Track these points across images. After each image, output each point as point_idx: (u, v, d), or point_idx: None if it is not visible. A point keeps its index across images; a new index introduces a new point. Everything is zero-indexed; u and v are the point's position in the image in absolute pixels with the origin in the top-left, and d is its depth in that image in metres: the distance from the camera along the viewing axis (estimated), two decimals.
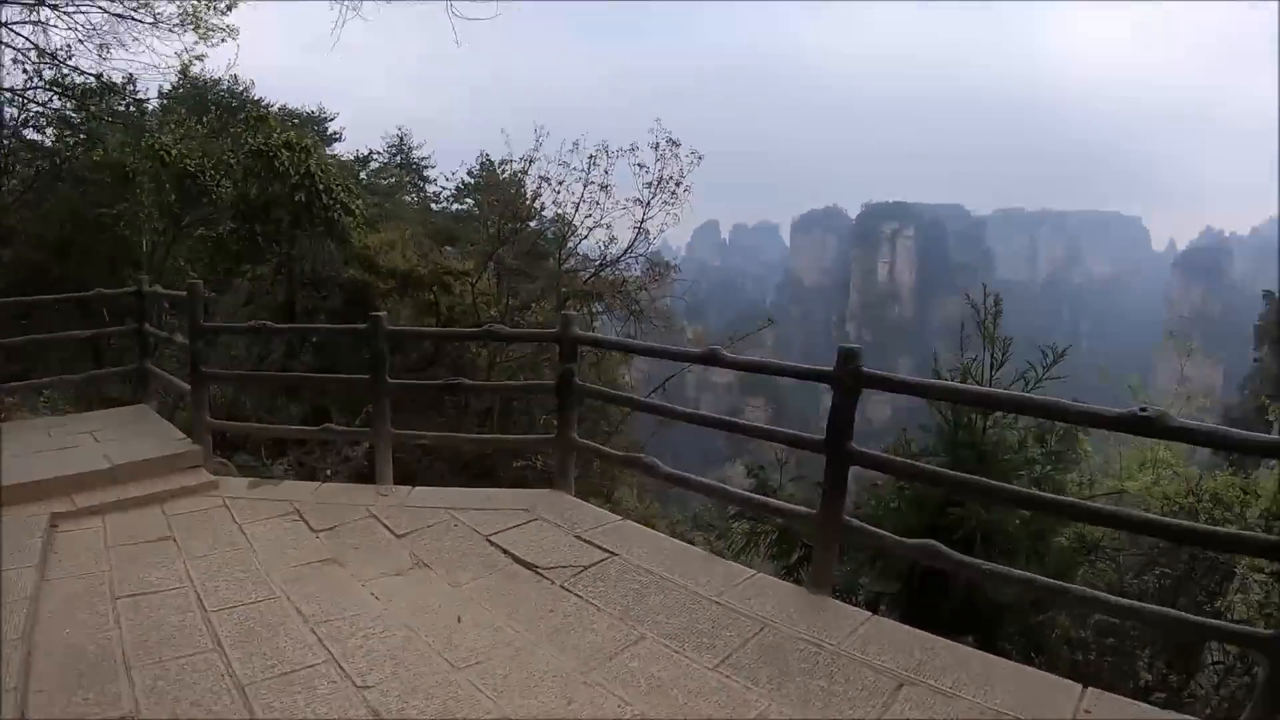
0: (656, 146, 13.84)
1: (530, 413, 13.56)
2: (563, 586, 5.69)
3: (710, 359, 6.22)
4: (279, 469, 11.44)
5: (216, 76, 18.33)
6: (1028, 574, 4.87)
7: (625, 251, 14.57)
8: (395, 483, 8.02)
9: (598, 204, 14.20)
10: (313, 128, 31.14)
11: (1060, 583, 4.84)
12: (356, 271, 15.20)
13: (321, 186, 14.82)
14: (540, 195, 15.05)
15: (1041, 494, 5.11)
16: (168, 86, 17.01)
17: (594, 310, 14.93)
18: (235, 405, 13.20)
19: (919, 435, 7.25)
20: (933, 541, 5.18)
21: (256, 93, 23.36)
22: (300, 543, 6.54)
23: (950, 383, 5.96)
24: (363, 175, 29.83)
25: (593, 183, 14.03)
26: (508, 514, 7.01)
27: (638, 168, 13.93)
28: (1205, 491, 7.46)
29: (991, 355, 6.71)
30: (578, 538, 6.49)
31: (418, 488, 7.91)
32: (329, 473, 11.39)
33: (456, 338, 13.28)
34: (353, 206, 15.40)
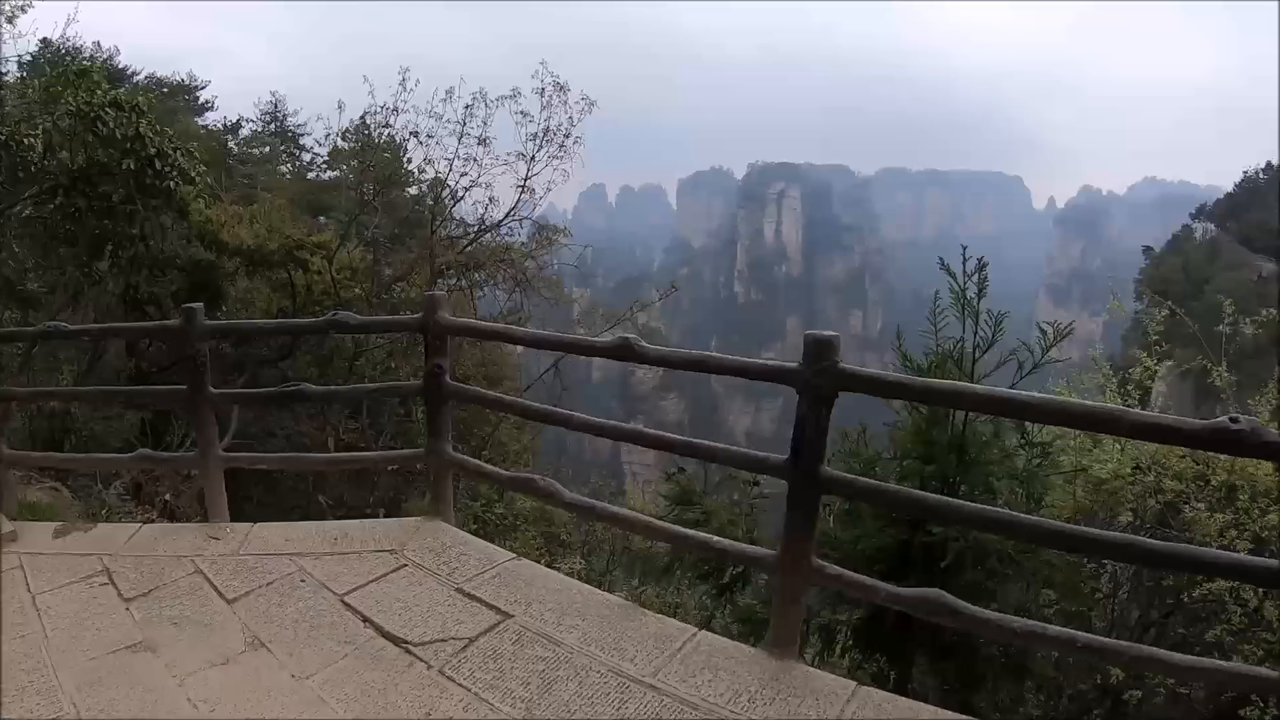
0: (542, 92, 11.97)
1: (409, 404, 11.82)
2: (442, 672, 4.26)
3: (624, 352, 4.71)
4: (113, 494, 9.56)
5: (61, 36, 15.75)
6: (1069, 632, 3.74)
7: (508, 214, 12.74)
8: (245, 513, 6.69)
9: (475, 161, 12.31)
10: (182, 96, 29.25)
11: (1120, 643, 3.88)
12: (199, 250, 13.07)
13: (154, 151, 12.57)
14: (407, 152, 13.16)
15: (1089, 531, 3.84)
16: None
17: (474, 280, 13.03)
18: (68, 419, 11.31)
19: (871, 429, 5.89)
20: (938, 591, 3.98)
21: (122, 61, 21.46)
22: (106, 618, 4.99)
23: (965, 385, 4.54)
24: (232, 145, 27.87)
25: (469, 135, 12.22)
26: (370, 559, 5.50)
27: (520, 117, 12.13)
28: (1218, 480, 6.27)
29: (976, 334, 5.30)
30: (460, 591, 5.05)
31: (259, 527, 6.29)
32: (168, 497, 9.48)
33: (291, 330, 11.04)
34: (192, 173, 13.11)
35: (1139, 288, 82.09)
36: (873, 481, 4.33)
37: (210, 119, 29.67)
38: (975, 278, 5.42)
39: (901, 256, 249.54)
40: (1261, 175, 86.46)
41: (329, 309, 12.50)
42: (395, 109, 12.52)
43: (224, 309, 13.63)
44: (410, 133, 12.68)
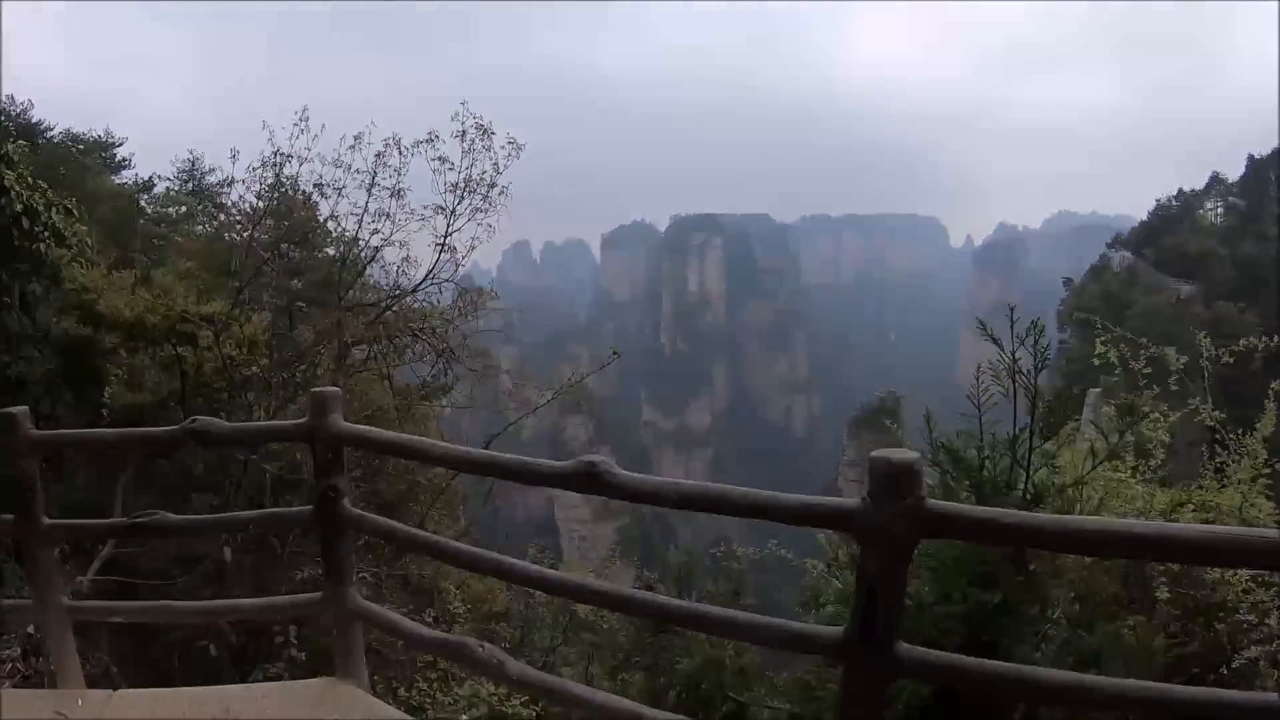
0: (463, 136, 10.27)
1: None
2: None
3: (588, 482, 3.50)
4: None
5: None
6: None
7: (427, 276, 11.17)
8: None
9: (388, 216, 10.89)
10: (98, 154, 27.71)
11: None
12: (71, 323, 11.41)
13: (20, 208, 10.96)
14: (310, 205, 11.63)
15: None
16: None
17: (389, 351, 11.33)
18: None
19: None
20: None
21: (36, 114, 20.21)
22: None
23: (1142, 526, 3.12)
24: (145, 204, 26.23)
25: (380, 186, 10.72)
26: None
27: (438, 164, 10.64)
28: None
29: (1035, 413, 4.19)
30: None
31: (120, 697, 4.77)
32: (18, 653, 7.68)
33: (139, 442, 8.24)
34: (67, 233, 11.44)
35: (1061, 318, 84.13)
36: (979, 662, 3.00)
37: (126, 176, 28.14)
38: (1032, 343, 4.22)
39: (824, 300, 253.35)
40: (1174, 202, 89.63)
41: (220, 391, 10.88)
42: (288, 155, 10.84)
43: (107, 393, 11.96)
44: (314, 185, 11.15)
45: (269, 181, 11.65)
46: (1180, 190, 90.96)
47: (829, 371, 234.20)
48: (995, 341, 4.45)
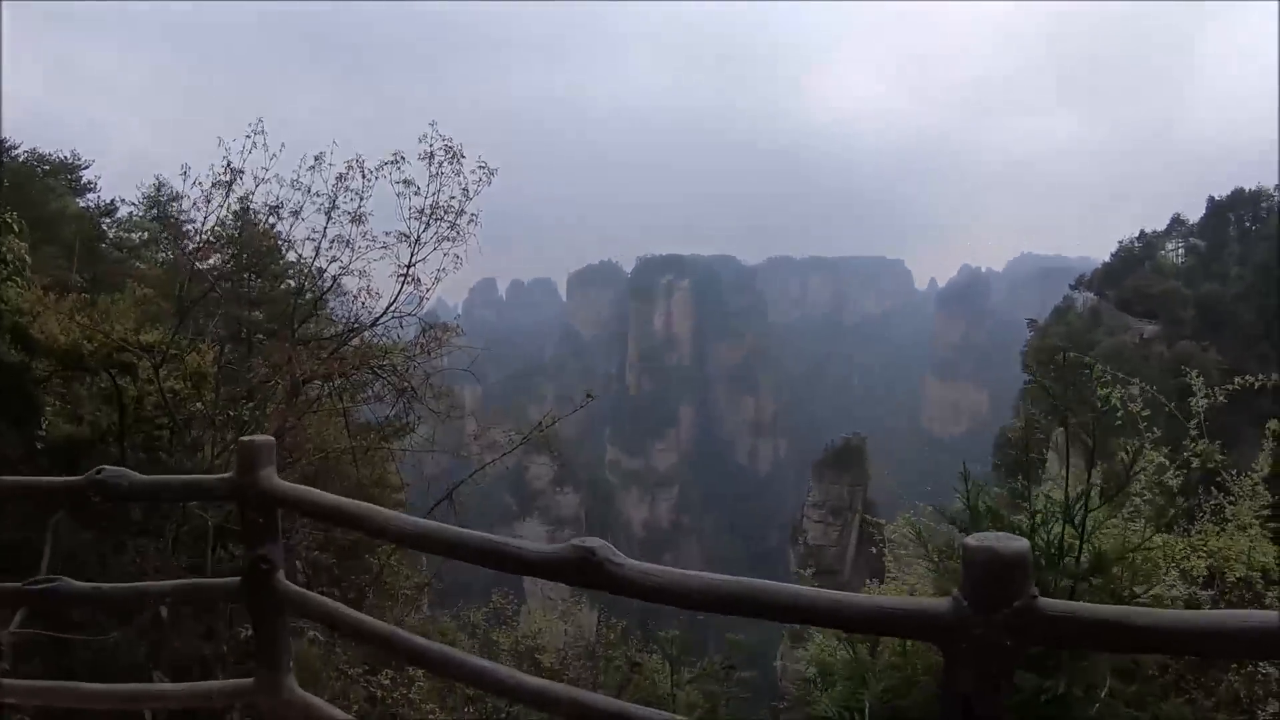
0: (430, 159, 9.33)
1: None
2: None
3: (583, 572, 2.92)
4: None
5: None
6: None
7: (388, 309, 10.28)
8: None
9: (348, 243, 10.08)
10: (64, 175, 26.99)
11: None
12: (4, 346, 10.51)
13: None
14: (272, 234, 10.81)
15: None
16: None
17: (349, 386, 10.39)
18: None
19: None
20: None
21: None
22: None
23: None
24: (107, 228, 25.46)
25: (339, 209, 9.87)
26: None
27: (402, 187, 9.67)
28: None
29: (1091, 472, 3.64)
30: None
31: None
32: None
33: (35, 491, 6.58)
34: (3, 249, 10.63)
35: (1024, 358, 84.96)
36: None
37: (92, 200, 27.40)
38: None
39: (789, 341, 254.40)
40: (1136, 244, 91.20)
41: (163, 428, 10.05)
42: (240, 170, 9.89)
43: (43, 424, 11.10)
44: (269, 206, 10.27)
45: (226, 205, 10.87)
46: (1142, 232, 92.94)
47: (794, 413, 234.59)
48: (1045, 389, 3.88)
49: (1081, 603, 2.38)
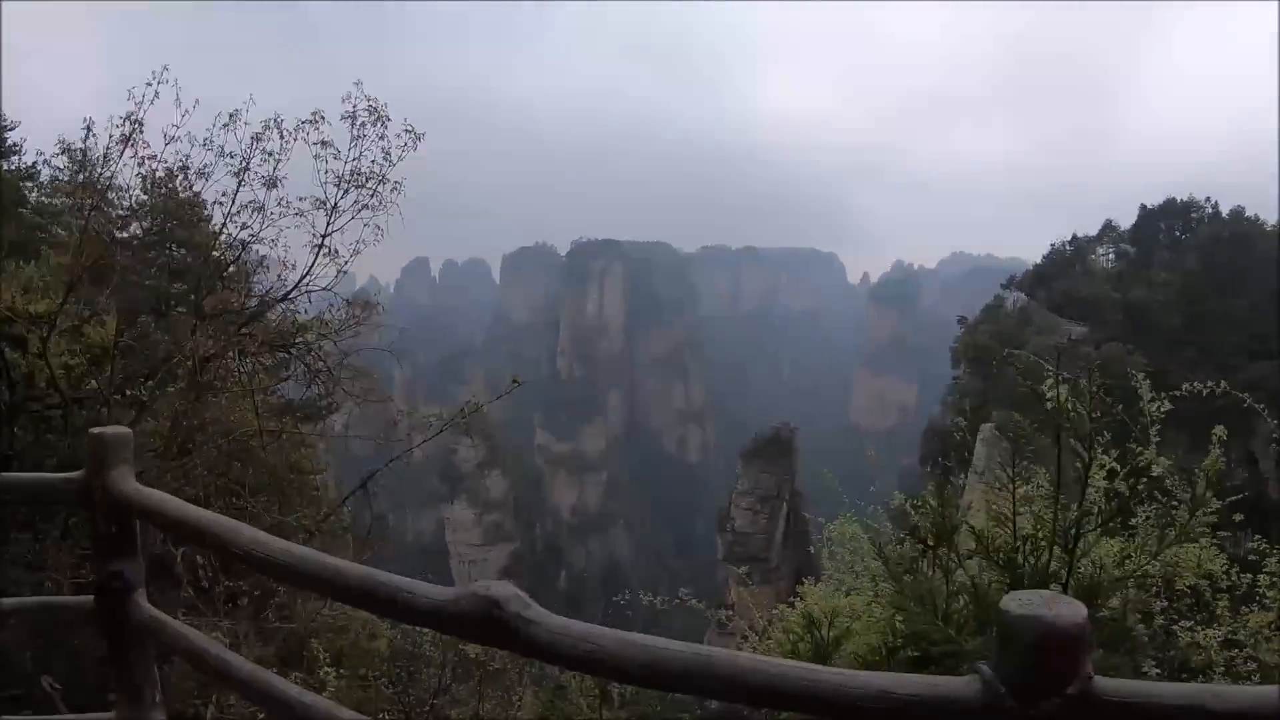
0: (353, 118, 8.62)
1: None
2: None
3: (487, 628, 2.43)
4: None
5: None
6: None
7: (300, 281, 9.50)
8: None
9: (260, 208, 9.31)
10: None
11: None
12: None
13: None
14: (197, 201, 9.88)
15: None
16: None
17: (258, 365, 9.47)
18: None
19: None
20: None
21: None
22: None
23: None
24: (31, 194, 23.99)
25: (253, 172, 8.99)
26: None
27: (320, 148, 8.56)
28: None
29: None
30: None
31: None
32: None
33: None
34: None
35: (955, 355, 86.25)
36: None
37: (15, 163, 25.84)
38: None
39: (721, 331, 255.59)
40: (1067, 247, 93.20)
41: (54, 408, 9.19)
42: (140, 122, 8.91)
43: None
44: (179, 167, 9.33)
45: (136, 165, 9.94)
46: (1074, 235, 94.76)
47: (724, 402, 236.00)
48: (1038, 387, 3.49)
49: (1152, 682, 1.95)
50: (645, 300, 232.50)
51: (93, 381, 8.32)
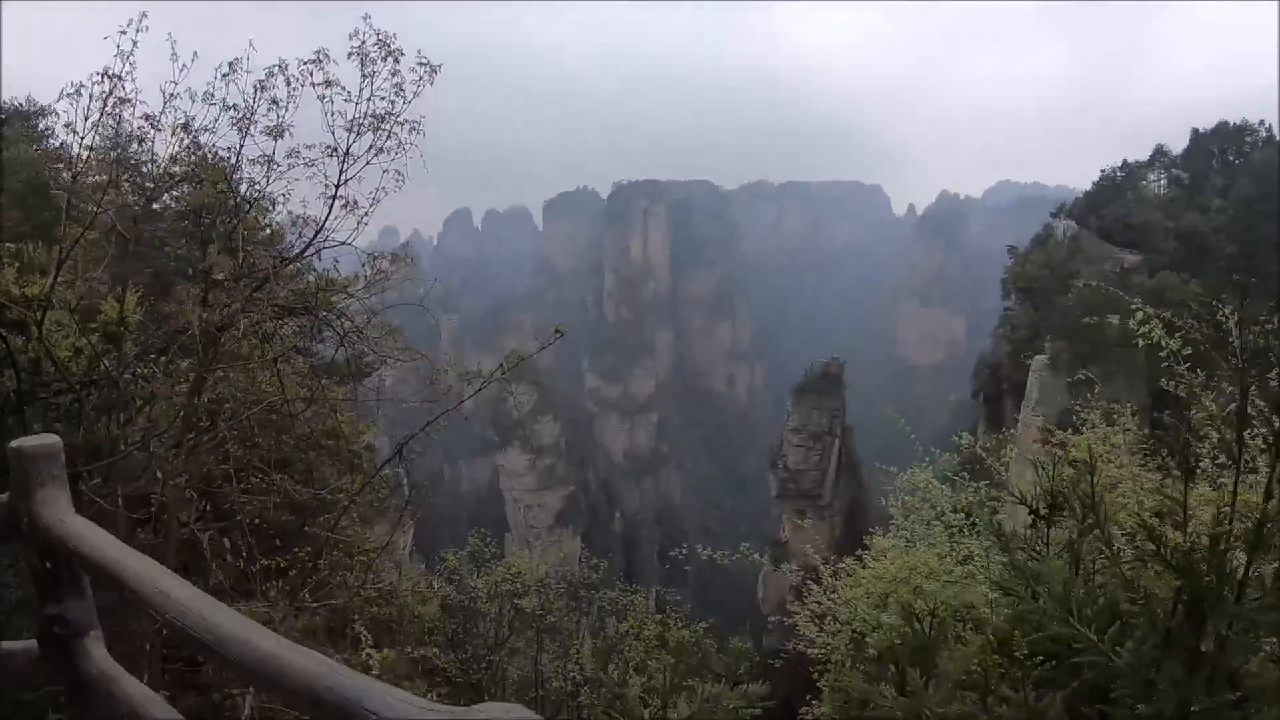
0: (362, 58, 7.75)
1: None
2: None
3: None
4: None
5: None
6: None
7: (316, 235, 8.58)
8: None
9: (269, 161, 8.39)
10: (20, 124, 25.64)
11: None
12: None
13: None
14: (221, 163, 9.10)
15: None
16: None
17: (276, 331, 8.64)
18: None
19: None
20: None
21: None
22: None
23: None
24: (66, 173, 23.98)
25: (257, 123, 8.11)
26: None
27: (325, 88, 7.71)
28: None
29: None
30: None
31: None
32: None
33: None
34: None
35: (1005, 286, 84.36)
36: None
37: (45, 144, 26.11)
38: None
39: (766, 267, 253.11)
40: (1118, 173, 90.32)
41: (60, 394, 8.58)
42: (118, 76, 8.08)
43: None
44: (179, 125, 8.55)
45: (198, 151, 9.21)
46: (1125, 161, 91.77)
47: (771, 340, 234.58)
48: None
49: None
50: (688, 240, 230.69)
51: (104, 363, 7.74)
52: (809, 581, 9.35)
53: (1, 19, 8.11)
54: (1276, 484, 2.75)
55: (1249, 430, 4.39)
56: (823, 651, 8.25)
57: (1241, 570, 2.73)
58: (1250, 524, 2.71)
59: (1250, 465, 4.55)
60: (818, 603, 8.89)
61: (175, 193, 10.69)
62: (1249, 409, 4.08)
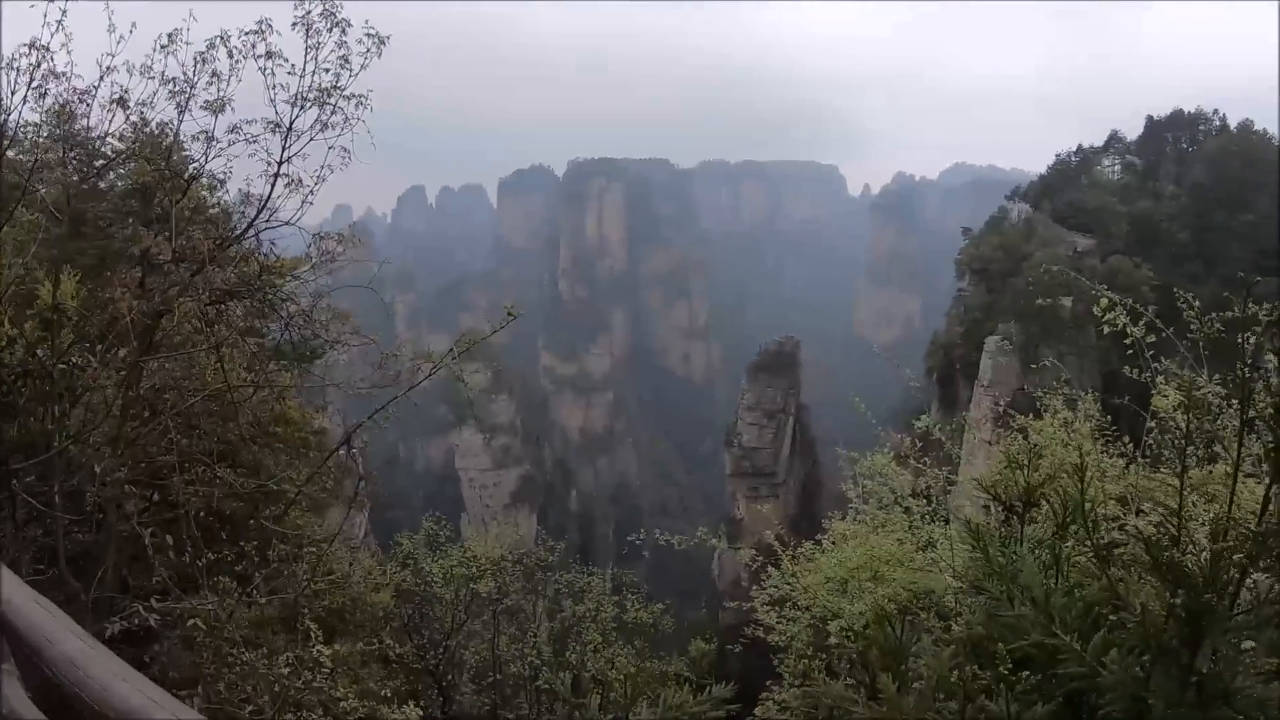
0: (306, 26, 7.31)
1: None
2: None
3: None
4: None
5: None
6: None
7: (259, 214, 8.15)
8: None
9: (210, 138, 8.00)
10: None
11: None
12: None
13: None
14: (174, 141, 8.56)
15: None
16: None
17: (218, 315, 8.16)
18: None
19: None
20: None
21: None
22: None
23: None
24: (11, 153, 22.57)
25: (192, 94, 7.65)
26: None
27: (265, 60, 7.32)
28: None
29: None
30: None
31: None
32: None
33: None
34: None
35: (959, 267, 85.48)
36: None
37: None
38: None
39: (722, 247, 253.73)
40: (1073, 158, 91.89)
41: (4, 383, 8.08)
42: (46, 48, 7.58)
43: None
44: (114, 100, 8.08)
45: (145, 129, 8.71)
46: (1080, 146, 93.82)
47: (727, 318, 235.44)
48: None
49: None
50: (645, 218, 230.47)
51: (39, 352, 7.30)
52: (766, 564, 9.26)
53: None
54: (1275, 494, 2.63)
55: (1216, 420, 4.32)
56: (782, 639, 8.17)
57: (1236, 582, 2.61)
58: (1246, 531, 2.58)
59: (1213, 454, 4.49)
60: (775, 587, 8.80)
61: (122, 170, 10.25)
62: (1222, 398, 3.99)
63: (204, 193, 9.70)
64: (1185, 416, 3.00)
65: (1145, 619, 2.53)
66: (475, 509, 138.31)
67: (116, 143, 9.48)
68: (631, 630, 15.53)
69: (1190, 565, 2.52)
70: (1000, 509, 4.37)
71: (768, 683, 9.29)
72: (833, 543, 8.43)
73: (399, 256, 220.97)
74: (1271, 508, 2.62)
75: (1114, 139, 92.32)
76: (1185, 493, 3.06)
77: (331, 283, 9.27)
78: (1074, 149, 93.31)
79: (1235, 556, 2.50)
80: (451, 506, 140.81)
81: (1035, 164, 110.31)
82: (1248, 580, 2.62)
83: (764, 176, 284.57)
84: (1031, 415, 7.37)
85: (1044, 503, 3.95)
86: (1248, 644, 2.53)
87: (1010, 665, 2.77)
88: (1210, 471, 4.04)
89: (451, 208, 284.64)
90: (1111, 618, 2.66)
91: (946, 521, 7.84)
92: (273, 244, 8.61)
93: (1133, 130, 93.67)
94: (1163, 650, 2.50)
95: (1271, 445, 2.80)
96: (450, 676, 15.07)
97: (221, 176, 8.39)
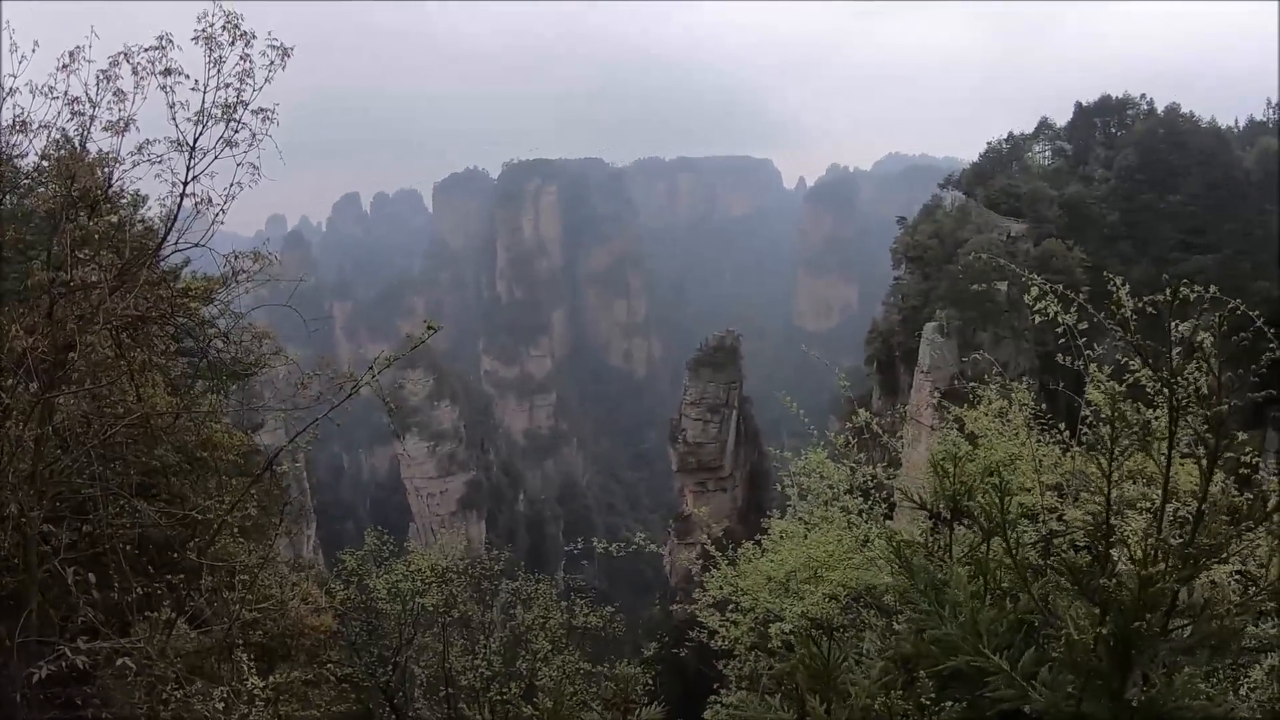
0: (209, 43, 7.05)
1: None
2: None
3: None
4: None
5: None
6: None
7: (168, 233, 7.85)
8: None
9: (115, 160, 7.60)
10: None
11: None
12: None
13: None
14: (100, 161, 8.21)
15: None
16: None
17: (131, 342, 7.85)
18: None
19: None
20: None
21: None
22: None
23: None
24: None
25: (94, 115, 7.30)
26: None
27: (164, 78, 7.08)
28: None
29: None
30: None
31: None
32: None
33: None
34: None
35: (895, 255, 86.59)
36: None
37: None
38: None
39: (661, 243, 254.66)
40: (1004, 145, 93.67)
41: None
42: None
43: None
44: (18, 121, 7.67)
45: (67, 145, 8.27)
46: (1010, 134, 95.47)
47: (667, 314, 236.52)
48: None
49: None
50: (582, 217, 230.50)
51: None
52: (711, 556, 9.21)
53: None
54: (1204, 510, 2.60)
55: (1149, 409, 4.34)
56: (727, 643, 8.14)
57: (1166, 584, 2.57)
58: (1179, 551, 2.54)
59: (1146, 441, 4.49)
60: (719, 588, 8.75)
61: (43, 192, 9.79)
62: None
63: (123, 213, 9.34)
64: (1110, 429, 2.97)
65: (1070, 647, 2.46)
66: (423, 518, 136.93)
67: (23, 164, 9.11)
68: (582, 635, 15.46)
69: (1116, 592, 2.46)
70: (929, 518, 4.34)
71: (715, 686, 9.25)
72: (773, 542, 8.40)
73: (336, 264, 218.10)
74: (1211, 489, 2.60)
75: (1044, 125, 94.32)
76: (1113, 489, 3.06)
77: (268, 296, 8.99)
78: (1005, 136, 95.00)
79: (1166, 580, 2.46)
80: (399, 515, 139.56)
81: (968, 152, 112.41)
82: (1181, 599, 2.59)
83: (699, 171, 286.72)
84: (966, 406, 7.42)
85: (974, 505, 3.91)
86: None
87: (935, 690, 2.72)
88: (1146, 456, 4.06)
89: (387, 214, 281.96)
90: (1043, 632, 2.62)
91: (889, 513, 7.85)
92: (187, 262, 8.32)
93: (1062, 116, 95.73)
94: (1093, 674, 2.45)
95: (1205, 428, 2.79)
96: (402, 693, 14.85)
97: (145, 195, 8.08)
